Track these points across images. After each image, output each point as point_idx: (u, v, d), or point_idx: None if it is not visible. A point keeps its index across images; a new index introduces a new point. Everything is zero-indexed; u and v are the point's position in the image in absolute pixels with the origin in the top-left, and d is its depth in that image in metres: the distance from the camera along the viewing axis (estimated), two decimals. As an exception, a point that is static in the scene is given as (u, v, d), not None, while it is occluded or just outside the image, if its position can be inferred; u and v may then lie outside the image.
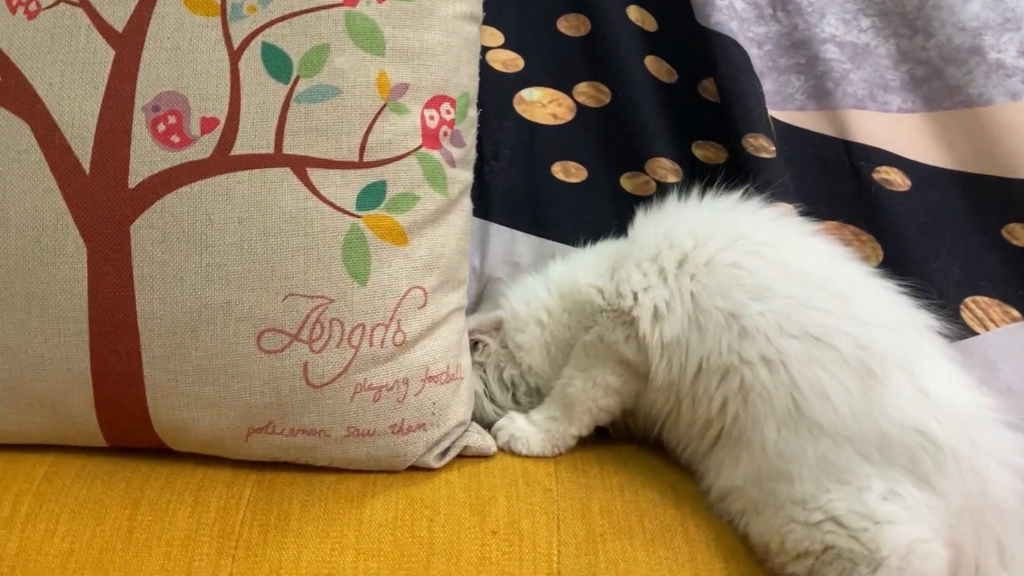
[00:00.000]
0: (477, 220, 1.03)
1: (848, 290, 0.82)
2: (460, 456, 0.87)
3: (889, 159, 1.02)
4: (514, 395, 0.96)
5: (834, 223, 1.01)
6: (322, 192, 0.80)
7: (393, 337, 0.82)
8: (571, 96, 1.08)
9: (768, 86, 1.02)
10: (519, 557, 0.77)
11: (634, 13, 1.08)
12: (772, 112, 1.03)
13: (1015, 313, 0.94)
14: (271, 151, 0.80)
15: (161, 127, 0.79)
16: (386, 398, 0.82)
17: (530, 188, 1.06)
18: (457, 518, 0.79)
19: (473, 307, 1.02)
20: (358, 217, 0.81)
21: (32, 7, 0.82)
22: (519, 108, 1.07)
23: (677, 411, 0.84)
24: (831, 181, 1.02)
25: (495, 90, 1.05)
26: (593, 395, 0.88)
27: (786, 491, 0.76)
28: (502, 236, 1.05)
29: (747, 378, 0.79)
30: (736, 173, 0.98)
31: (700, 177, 0.96)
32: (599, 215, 1.02)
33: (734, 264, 0.83)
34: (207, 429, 0.81)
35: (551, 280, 0.97)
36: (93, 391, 0.81)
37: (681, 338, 0.82)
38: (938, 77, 0.99)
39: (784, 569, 0.76)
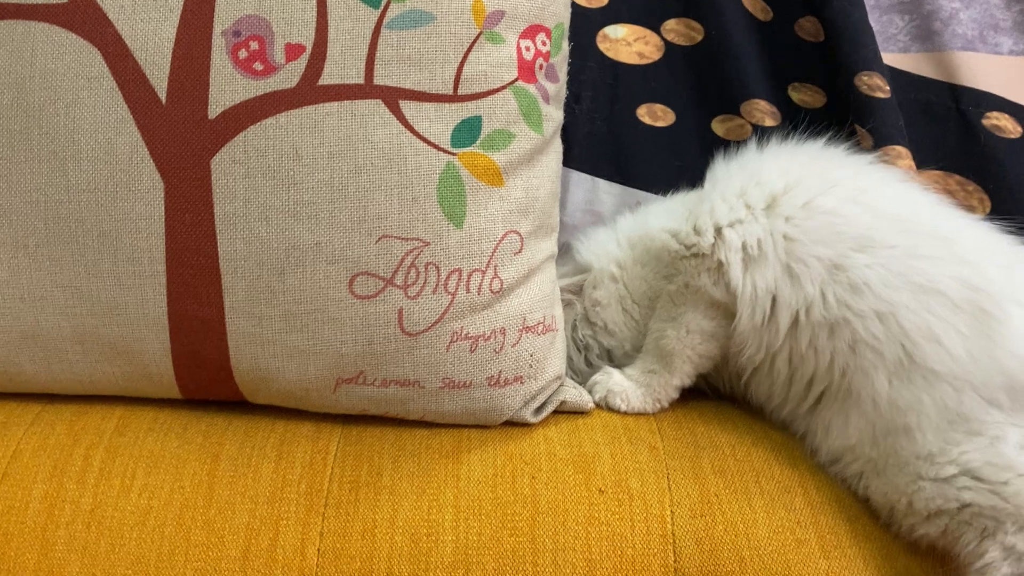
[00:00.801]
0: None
1: (950, 232, 0.77)
2: (556, 412, 0.82)
3: (999, 104, 0.95)
4: (586, 358, 0.91)
5: (937, 172, 0.95)
6: (416, 127, 0.75)
7: (490, 284, 0.77)
8: (659, 34, 1.01)
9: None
10: (630, 518, 0.72)
11: None
12: (874, 54, 0.96)
13: None
14: (361, 81, 0.74)
15: (243, 54, 0.73)
16: (483, 348, 0.77)
17: (613, 133, 0.99)
18: (561, 475, 0.74)
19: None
20: (453, 155, 0.75)
21: (101, -78, 0.76)
22: (602, 47, 1.01)
23: (770, 365, 0.79)
24: (935, 128, 0.96)
25: (576, 27, 0.98)
26: (690, 343, 0.83)
27: (908, 446, 0.71)
28: (583, 184, 0.99)
29: (859, 332, 0.73)
30: (838, 117, 0.92)
31: (797, 122, 0.90)
32: (688, 161, 0.96)
33: (832, 211, 0.77)
34: (293, 379, 0.76)
35: (621, 232, 0.91)
36: (170, 338, 0.76)
37: (772, 287, 0.77)
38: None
39: (914, 532, 0.71)
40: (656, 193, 0.97)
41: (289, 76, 0.73)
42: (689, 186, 0.92)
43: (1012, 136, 0.94)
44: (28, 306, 0.76)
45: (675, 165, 0.98)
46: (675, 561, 0.70)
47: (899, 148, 0.89)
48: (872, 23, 0.96)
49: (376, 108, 0.74)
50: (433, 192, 0.75)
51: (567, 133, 0.99)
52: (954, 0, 0.95)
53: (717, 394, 0.88)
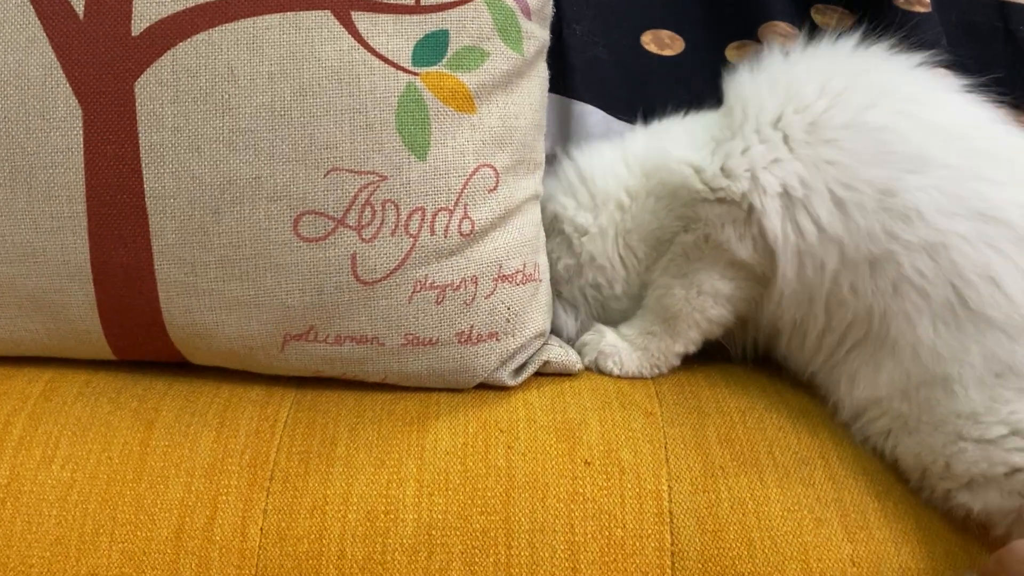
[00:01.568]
0: (554, 96, 0.85)
1: (1014, 152, 0.66)
2: (539, 373, 0.72)
3: (1055, 22, 0.83)
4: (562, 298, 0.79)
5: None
6: (370, 42, 0.64)
7: (459, 225, 0.66)
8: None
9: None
10: (620, 493, 0.62)
11: None
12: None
13: None
14: (307, -11, 0.64)
15: (170, -41, 0.63)
16: (451, 299, 0.67)
17: (615, 61, 0.88)
18: (541, 445, 0.64)
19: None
20: (415, 74, 0.65)
21: None
22: None
23: (809, 318, 0.68)
24: (981, 50, 0.84)
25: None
26: (699, 305, 0.72)
27: (946, 401, 0.61)
28: (586, 115, 0.88)
29: (905, 268, 0.63)
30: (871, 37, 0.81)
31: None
32: (698, 92, 0.84)
33: (883, 127, 0.66)
34: (234, 335, 0.67)
35: (631, 154, 0.78)
36: (95, 288, 0.66)
37: (818, 226, 0.66)
38: None
39: (950, 499, 0.61)
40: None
41: (224, -16, 0.63)
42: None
43: None
44: (-66, 254, 0.67)
45: (684, 98, 0.86)
46: (672, 543, 0.60)
47: (941, 71, 0.77)
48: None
49: (324, 20, 0.64)
50: (391, 118, 0.64)
51: (566, 56, 0.88)
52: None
53: (724, 353, 0.77)
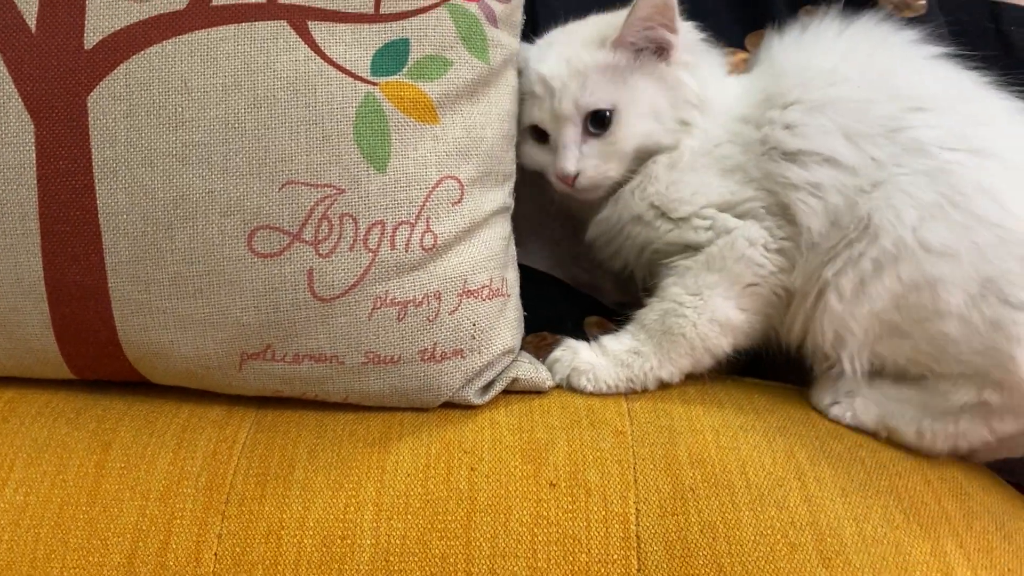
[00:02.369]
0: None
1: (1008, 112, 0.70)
2: (507, 392, 0.70)
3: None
4: None
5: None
6: (327, 52, 0.63)
7: (421, 239, 0.64)
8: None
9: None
10: (585, 516, 0.59)
11: None
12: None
13: None
14: (262, 0, 0.62)
15: (124, -30, 0.62)
16: (413, 316, 0.65)
17: None
18: (505, 467, 0.62)
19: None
20: (374, 84, 0.63)
21: None
22: None
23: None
24: (971, 52, 0.80)
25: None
26: (704, 332, 0.70)
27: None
28: None
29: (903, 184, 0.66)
30: None
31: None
32: None
33: (889, 70, 0.71)
34: (190, 355, 0.65)
35: (758, 85, 0.74)
36: (49, 308, 0.65)
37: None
38: None
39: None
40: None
41: (178, -5, 0.62)
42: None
43: None
44: None
45: None
46: (638, 569, 0.58)
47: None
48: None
49: (280, 30, 0.62)
50: (348, 129, 0.63)
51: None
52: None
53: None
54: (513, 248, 0.73)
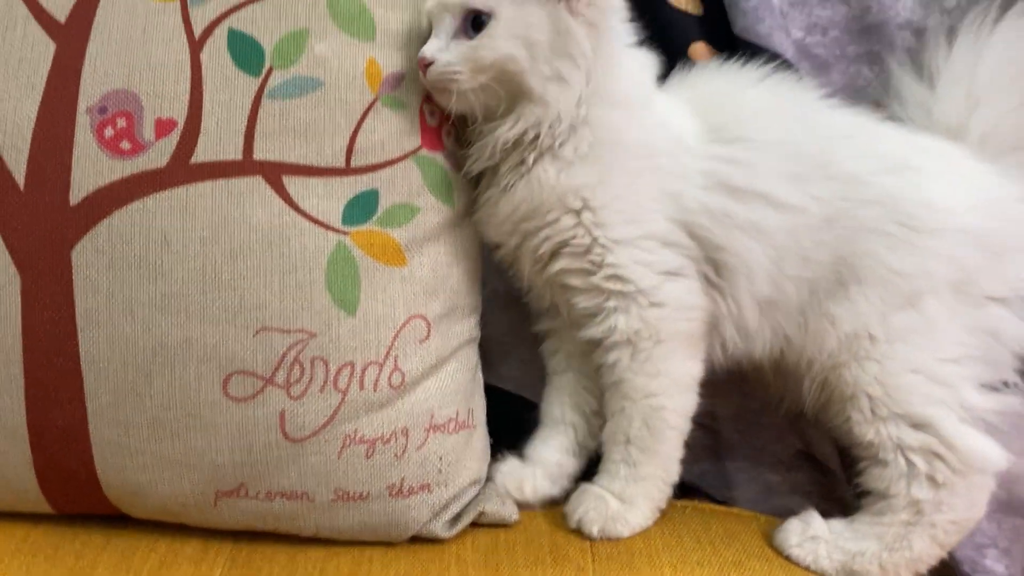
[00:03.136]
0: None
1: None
2: (475, 524, 0.72)
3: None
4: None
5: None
6: (301, 205, 0.67)
7: (389, 378, 0.67)
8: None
9: (835, 77, 0.86)
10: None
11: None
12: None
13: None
14: (239, 157, 0.66)
15: (108, 132, 0.66)
16: (381, 453, 0.67)
17: None
18: (470, 604, 0.64)
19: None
20: (345, 233, 0.67)
21: (-39, -4, 0.70)
22: None
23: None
24: None
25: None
26: (683, 404, 0.71)
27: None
28: None
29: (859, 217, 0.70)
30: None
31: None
32: None
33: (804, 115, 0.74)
34: (167, 493, 0.67)
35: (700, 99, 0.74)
36: (31, 449, 0.67)
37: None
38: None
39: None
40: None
41: (159, 154, 0.66)
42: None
43: None
44: None
45: None
46: None
47: None
48: (839, 74, 0.85)
49: (256, 185, 0.66)
50: (320, 276, 0.66)
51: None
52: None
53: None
54: (480, 377, 0.76)
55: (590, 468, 0.77)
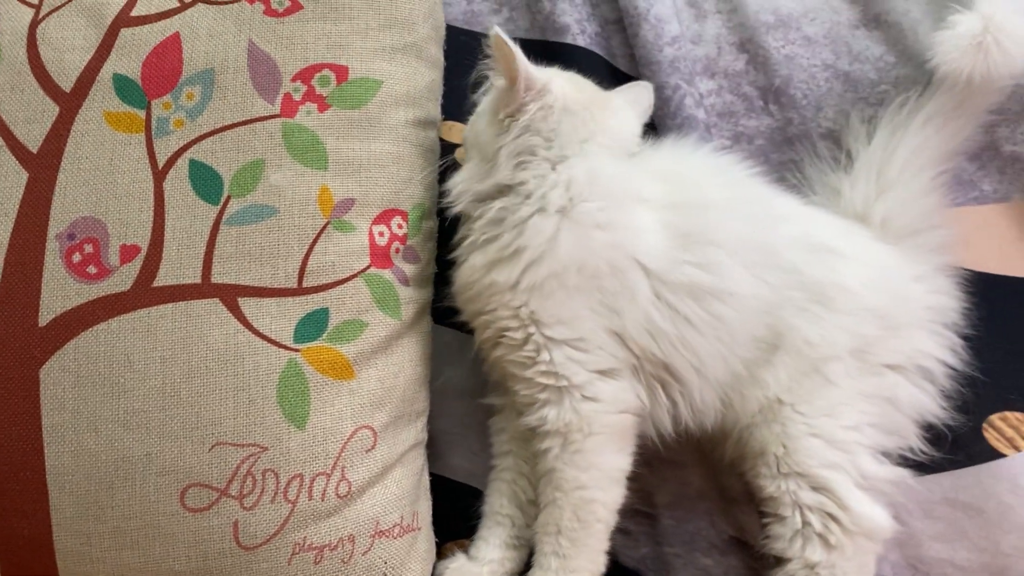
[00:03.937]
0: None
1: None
2: (421, 621, 0.77)
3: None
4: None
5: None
6: (255, 324, 0.72)
7: (336, 487, 0.72)
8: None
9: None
10: None
11: None
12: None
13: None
14: (198, 281, 0.71)
15: (76, 257, 0.71)
16: (329, 559, 0.72)
17: None
18: None
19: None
20: (296, 351, 0.72)
21: (-60, 128, 0.76)
22: None
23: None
24: None
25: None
26: (614, 497, 0.74)
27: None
28: None
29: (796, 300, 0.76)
30: None
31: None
32: None
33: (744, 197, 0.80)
34: (126, 599, 0.72)
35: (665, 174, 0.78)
36: (-2, 558, 0.72)
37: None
38: (950, 172, 0.89)
39: None
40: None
41: (123, 279, 0.71)
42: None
43: None
44: None
45: None
46: None
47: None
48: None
49: (213, 307, 0.71)
50: (272, 392, 0.71)
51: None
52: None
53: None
54: (426, 478, 0.80)
55: (531, 557, 0.81)
